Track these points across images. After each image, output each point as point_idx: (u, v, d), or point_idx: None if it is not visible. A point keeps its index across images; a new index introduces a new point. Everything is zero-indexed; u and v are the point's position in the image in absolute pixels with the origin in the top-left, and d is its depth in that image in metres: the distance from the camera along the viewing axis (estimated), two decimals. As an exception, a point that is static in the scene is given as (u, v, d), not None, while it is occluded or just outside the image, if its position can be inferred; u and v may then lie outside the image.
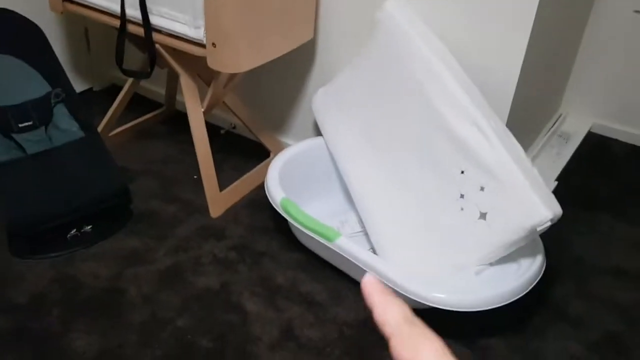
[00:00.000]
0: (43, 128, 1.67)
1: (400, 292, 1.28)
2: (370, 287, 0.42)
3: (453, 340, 1.35)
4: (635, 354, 1.33)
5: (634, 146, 2.07)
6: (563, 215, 1.23)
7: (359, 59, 1.57)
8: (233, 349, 1.32)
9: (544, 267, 1.33)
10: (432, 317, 1.35)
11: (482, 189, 1.28)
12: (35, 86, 1.66)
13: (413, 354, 0.37)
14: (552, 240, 1.39)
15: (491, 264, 1.31)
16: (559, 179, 1.85)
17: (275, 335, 1.36)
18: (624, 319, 1.42)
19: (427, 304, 1.25)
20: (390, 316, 0.40)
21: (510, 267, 1.33)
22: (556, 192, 1.55)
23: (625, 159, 2.02)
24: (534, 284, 1.29)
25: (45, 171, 1.62)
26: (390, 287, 1.29)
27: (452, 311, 1.24)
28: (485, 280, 1.29)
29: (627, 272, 1.55)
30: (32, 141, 1.63)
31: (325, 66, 1.76)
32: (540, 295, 1.44)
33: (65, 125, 1.69)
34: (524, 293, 1.27)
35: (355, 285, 1.48)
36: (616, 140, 2.09)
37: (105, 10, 1.63)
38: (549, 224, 1.21)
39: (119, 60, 1.70)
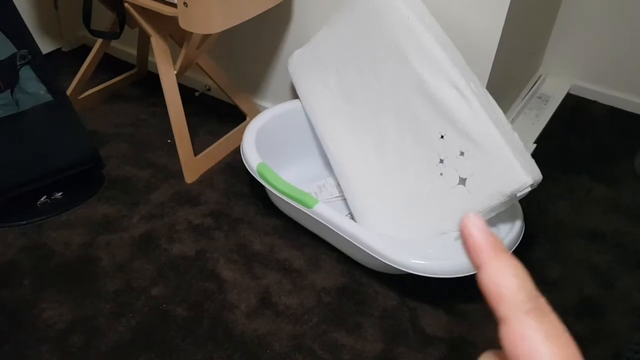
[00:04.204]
0: (9, 91, 1.60)
1: (379, 258, 1.26)
2: (474, 230, 0.28)
3: (431, 306, 1.35)
4: (611, 317, 1.34)
5: (612, 108, 2.06)
6: (542, 178, 1.22)
7: (336, 18, 1.52)
8: (209, 318, 1.30)
9: (522, 232, 1.32)
10: (411, 283, 1.36)
11: (462, 153, 1.26)
12: (-2, 47, 1.60)
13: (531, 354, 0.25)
14: (530, 203, 1.38)
15: (470, 230, 1.30)
16: (537, 141, 1.84)
17: (252, 303, 1.34)
18: (601, 281, 1.43)
19: (406, 270, 1.24)
20: (507, 288, 0.28)
21: (489, 233, 1.32)
22: (535, 155, 1.54)
23: (603, 120, 2.01)
24: (513, 249, 1.28)
25: (12, 136, 1.56)
26: (369, 254, 1.28)
27: (431, 277, 1.23)
28: (464, 246, 1.28)
29: (604, 234, 1.56)
30: (-2, 105, 1.57)
31: (302, 27, 1.71)
32: (518, 259, 1.43)
33: (33, 89, 1.62)
34: (503, 258, 1.26)
35: (333, 251, 1.46)
36: (595, 101, 2.08)
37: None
38: (528, 189, 1.19)
39: (86, 20, 1.63)
